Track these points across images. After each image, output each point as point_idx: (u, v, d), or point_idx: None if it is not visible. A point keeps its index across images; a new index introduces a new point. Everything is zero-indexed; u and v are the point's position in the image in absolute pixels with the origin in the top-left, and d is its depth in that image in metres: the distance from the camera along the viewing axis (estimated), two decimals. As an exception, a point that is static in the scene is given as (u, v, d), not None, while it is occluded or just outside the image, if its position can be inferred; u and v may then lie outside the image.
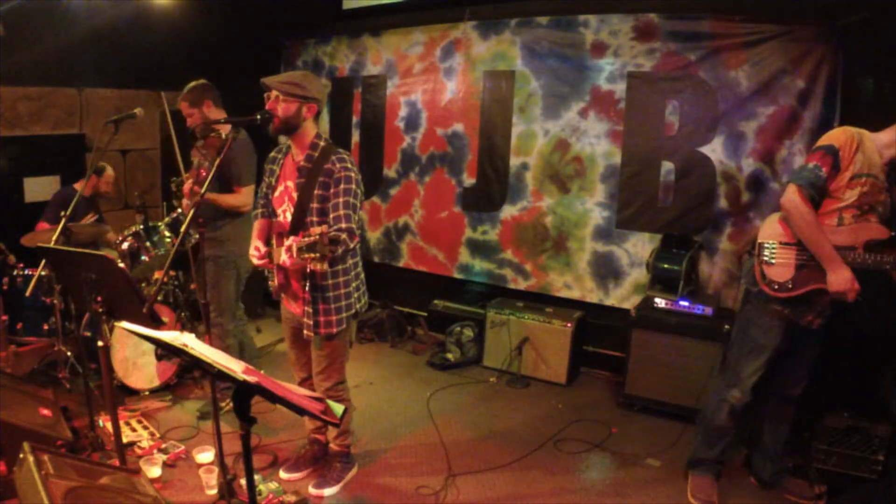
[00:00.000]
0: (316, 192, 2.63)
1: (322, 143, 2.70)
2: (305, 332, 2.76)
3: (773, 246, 2.71)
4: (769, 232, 2.74)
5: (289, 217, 2.71)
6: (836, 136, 2.59)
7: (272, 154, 2.91)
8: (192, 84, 3.59)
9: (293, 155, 2.76)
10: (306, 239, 2.26)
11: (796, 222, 2.60)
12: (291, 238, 2.37)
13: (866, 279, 2.61)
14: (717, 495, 2.95)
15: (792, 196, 2.57)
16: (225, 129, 3.35)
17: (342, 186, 2.60)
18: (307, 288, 2.69)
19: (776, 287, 2.69)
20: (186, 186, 3.50)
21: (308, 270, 2.64)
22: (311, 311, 2.72)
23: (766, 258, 2.71)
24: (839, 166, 2.54)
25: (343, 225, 2.53)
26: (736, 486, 3.11)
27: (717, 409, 2.92)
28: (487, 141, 4.83)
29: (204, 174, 3.40)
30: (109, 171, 4.61)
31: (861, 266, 2.53)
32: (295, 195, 2.69)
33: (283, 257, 2.38)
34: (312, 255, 2.23)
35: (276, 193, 2.80)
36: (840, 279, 2.53)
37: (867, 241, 2.54)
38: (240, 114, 3.82)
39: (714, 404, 2.95)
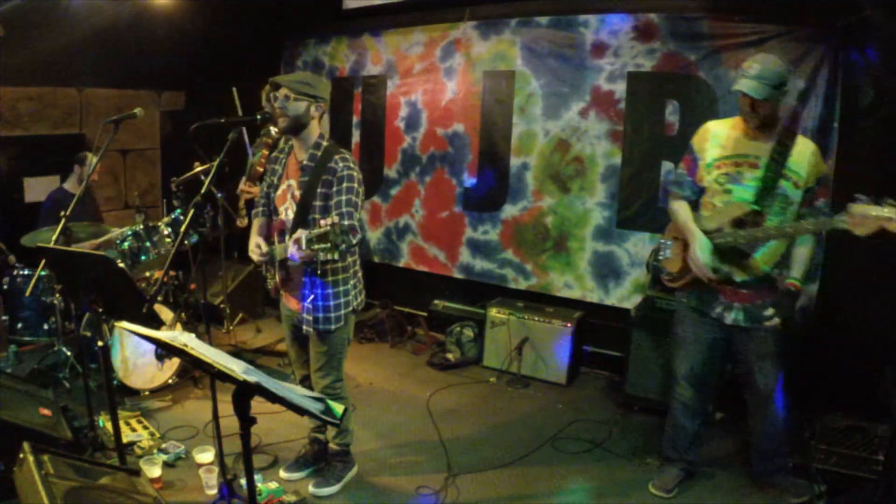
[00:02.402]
0: (319, 190, 2.65)
1: (325, 143, 2.72)
2: (304, 327, 2.77)
3: (668, 242, 2.92)
4: (671, 229, 2.95)
5: (290, 215, 2.72)
6: (695, 134, 2.85)
7: (274, 154, 2.93)
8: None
9: (296, 154, 2.77)
10: (316, 230, 2.26)
11: (672, 218, 2.88)
12: (299, 231, 2.36)
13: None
14: (676, 487, 3.03)
15: (668, 200, 2.92)
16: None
17: (345, 185, 2.62)
18: (310, 284, 2.70)
19: (668, 277, 2.90)
20: (241, 186, 3.86)
21: (311, 267, 2.64)
22: (310, 306, 2.73)
23: (662, 255, 2.94)
24: (697, 160, 2.78)
25: (346, 222, 2.54)
26: (736, 485, 3.11)
27: (673, 409, 3.04)
28: (488, 141, 4.83)
29: (261, 171, 3.67)
30: (92, 158, 4.35)
31: (724, 244, 2.64)
32: (298, 193, 2.71)
33: (292, 249, 2.37)
34: (324, 245, 2.24)
35: (279, 192, 2.81)
36: (691, 254, 2.68)
37: (733, 220, 2.64)
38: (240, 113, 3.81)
39: (671, 405, 3.06)
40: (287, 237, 2.66)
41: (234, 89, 4.43)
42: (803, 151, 2.61)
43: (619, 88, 4.25)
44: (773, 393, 2.85)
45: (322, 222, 2.28)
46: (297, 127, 2.67)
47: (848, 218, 2.30)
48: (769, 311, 2.66)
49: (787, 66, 2.57)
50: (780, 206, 2.61)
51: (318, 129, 2.72)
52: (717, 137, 2.73)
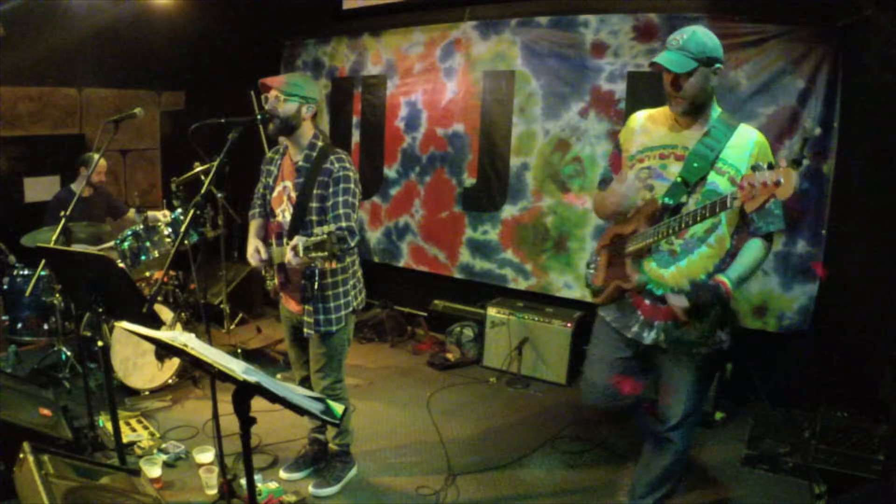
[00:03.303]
0: (315, 191, 2.64)
1: (320, 143, 2.71)
2: (305, 329, 2.77)
3: (595, 255, 2.55)
4: (601, 240, 2.57)
5: (288, 217, 2.71)
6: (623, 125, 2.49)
7: (269, 155, 2.92)
8: None
9: (291, 155, 2.76)
10: (313, 238, 2.27)
11: (598, 214, 2.56)
12: (296, 238, 2.38)
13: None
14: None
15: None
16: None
17: (341, 186, 2.61)
18: (310, 286, 2.70)
19: (593, 292, 2.52)
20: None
21: (309, 270, 2.64)
22: (310, 308, 2.73)
23: (590, 269, 2.56)
24: (621, 154, 2.42)
25: (343, 224, 2.54)
26: (735, 485, 3.11)
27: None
28: (488, 141, 4.83)
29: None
30: (95, 158, 4.40)
31: (639, 249, 2.25)
32: (294, 195, 2.70)
33: (289, 256, 2.38)
34: (321, 253, 2.25)
35: (275, 194, 2.80)
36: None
37: (647, 218, 2.27)
38: (240, 114, 3.82)
39: None
40: (285, 239, 2.66)
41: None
42: (743, 143, 2.17)
43: (619, 88, 4.25)
44: (677, 426, 2.42)
45: (318, 230, 2.28)
46: (288, 128, 2.65)
47: (738, 192, 1.90)
48: (698, 341, 2.23)
49: (717, 41, 2.14)
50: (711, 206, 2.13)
51: (311, 129, 2.71)
52: (643, 127, 2.36)
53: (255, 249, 2.76)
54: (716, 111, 2.23)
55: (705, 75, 2.13)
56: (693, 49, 2.10)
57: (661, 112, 2.35)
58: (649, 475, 2.52)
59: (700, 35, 2.13)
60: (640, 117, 2.40)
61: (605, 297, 2.41)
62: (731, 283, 2.10)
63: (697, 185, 2.17)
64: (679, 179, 2.20)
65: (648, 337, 2.31)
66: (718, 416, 3.74)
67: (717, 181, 2.15)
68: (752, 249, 2.17)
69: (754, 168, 1.88)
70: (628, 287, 2.29)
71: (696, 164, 2.17)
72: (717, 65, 2.14)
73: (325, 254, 2.25)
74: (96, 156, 4.14)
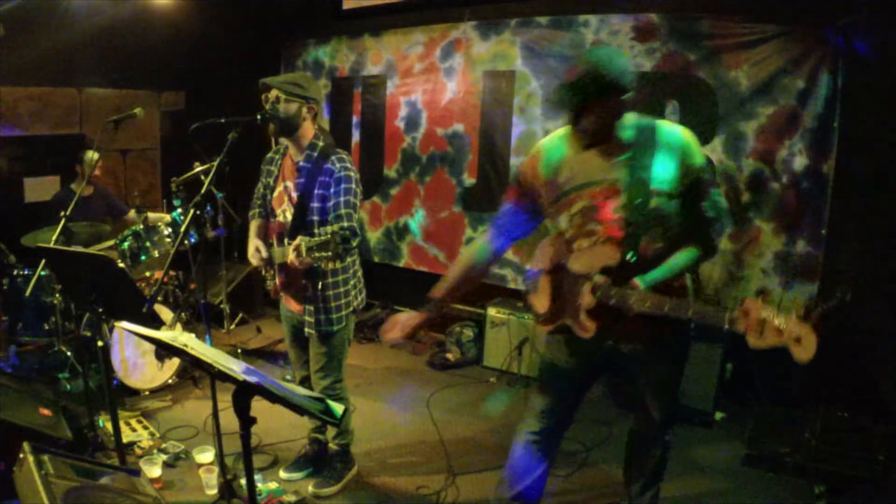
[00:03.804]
0: (316, 191, 2.64)
1: (321, 144, 2.70)
2: (306, 329, 2.77)
3: (535, 274, 2.29)
4: (537, 256, 2.29)
5: (289, 217, 2.71)
6: (526, 157, 2.20)
7: (269, 155, 2.92)
8: None
9: (291, 155, 2.76)
10: (317, 238, 2.27)
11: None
12: (298, 238, 2.37)
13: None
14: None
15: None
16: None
17: (343, 186, 2.61)
18: (311, 286, 2.70)
19: (537, 318, 2.31)
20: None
21: (310, 270, 2.64)
22: (311, 308, 2.73)
23: (530, 286, 2.32)
24: (528, 193, 2.16)
25: (346, 224, 2.54)
26: (734, 486, 3.12)
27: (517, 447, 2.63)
28: (487, 141, 4.83)
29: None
30: (91, 155, 4.29)
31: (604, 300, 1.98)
32: (295, 195, 2.70)
33: (292, 256, 2.38)
34: (324, 253, 2.25)
35: (275, 194, 2.80)
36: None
37: (602, 269, 1.99)
38: (240, 114, 3.82)
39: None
40: (286, 240, 2.66)
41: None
42: (668, 147, 1.99)
43: (619, 88, 4.24)
44: (662, 424, 2.37)
45: (322, 230, 2.28)
46: (289, 128, 2.65)
47: (740, 316, 1.71)
48: (668, 350, 2.17)
49: (622, 64, 1.93)
50: (661, 229, 1.98)
51: (312, 129, 2.70)
52: (557, 160, 2.07)
53: (255, 249, 2.77)
54: (628, 122, 2.04)
55: (608, 106, 1.92)
56: (590, 84, 1.86)
57: (568, 136, 2.08)
58: (643, 474, 2.52)
59: (603, 62, 1.87)
60: (547, 147, 2.12)
61: (550, 329, 2.24)
62: (643, 282, 1.95)
63: (644, 222, 1.95)
64: (628, 222, 1.96)
65: (626, 348, 2.16)
66: (718, 416, 3.74)
67: (660, 204, 1.95)
68: (683, 254, 1.98)
69: (760, 293, 1.66)
70: (586, 336, 2.05)
71: (637, 200, 1.93)
72: (625, 95, 1.93)
73: (329, 254, 2.25)
74: (91, 153, 4.15)
